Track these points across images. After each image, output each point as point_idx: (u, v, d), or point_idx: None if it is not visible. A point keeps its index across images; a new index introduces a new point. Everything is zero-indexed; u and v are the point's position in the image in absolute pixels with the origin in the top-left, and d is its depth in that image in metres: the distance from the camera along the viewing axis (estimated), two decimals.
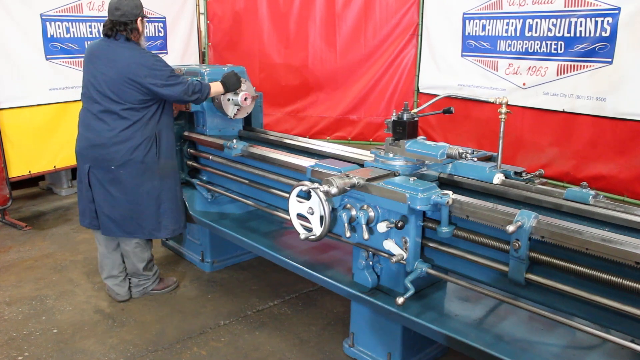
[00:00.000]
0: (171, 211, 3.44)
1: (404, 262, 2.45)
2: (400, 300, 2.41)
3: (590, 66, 5.18)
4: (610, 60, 5.00)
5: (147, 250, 3.54)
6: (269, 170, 3.31)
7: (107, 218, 3.32)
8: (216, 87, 3.47)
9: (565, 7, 5.25)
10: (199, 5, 6.78)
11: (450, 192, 2.30)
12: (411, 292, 2.45)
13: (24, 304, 3.55)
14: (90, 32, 5.43)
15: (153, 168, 3.29)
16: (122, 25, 3.17)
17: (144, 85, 3.13)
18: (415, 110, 2.70)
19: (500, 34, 5.89)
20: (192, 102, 3.44)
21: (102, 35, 3.27)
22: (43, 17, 5.08)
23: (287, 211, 2.77)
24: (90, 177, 3.27)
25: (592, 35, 5.10)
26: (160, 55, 3.36)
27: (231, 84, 3.53)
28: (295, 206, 2.68)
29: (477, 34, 6.14)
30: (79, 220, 3.50)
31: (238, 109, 3.68)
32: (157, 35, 6.21)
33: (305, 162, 3.00)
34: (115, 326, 3.29)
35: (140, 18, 3.24)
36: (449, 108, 2.82)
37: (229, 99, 3.62)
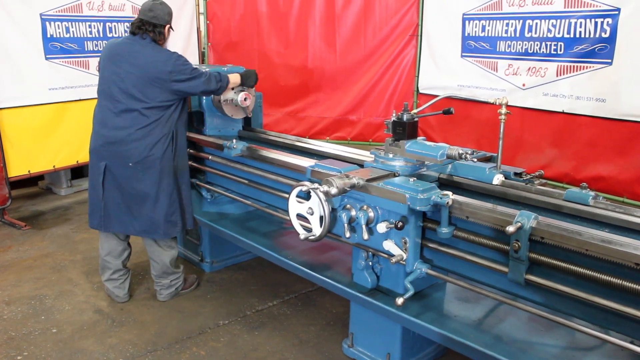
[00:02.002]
0: (185, 207, 3.42)
1: (404, 262, 2.45)
2: (399, 300, 2.41)
3: (590, 67, 5.18)
4: (610, 61, 5.00)
5: (175, 247, 3.53)
6: (269, 170, 3.30)
7: (121, 216, 3.28)
8: (234, 78, 3.48)
9: (565, 7, 5.25)
10: (198, 5, 6.77)
11: (450, 193, 2.29)
12: (411, 292, 2.45)
13: (23, 304, 3.55)
14: (90, 32, 5.40)
15: (170, 165, 3.28)
16: (151, 26, 3.20)
17: (168, 83, 3.14)
18: (415, 110, 2.70)
19: (500, 35, 5.89)
20: (214, 93, 3.44)
21: (127, 33, 3.27)
22: (43, 17, 5.07)
23: (286, 211, 2.77)
24: (106, 174, 3.23)
25: (591, 36, 5.10)
26: None
27: (248, 79, 3.56)
28: (295, 206, 2.68)
29: (477, 35, 6.14)
30: (88, 221, 3.40)
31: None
32: None
33: (305, 162, 3.00)
34: (115, 326, 3.29)
35: (168, 25, 3.28)
36: (449, 109, 2.82)
37: (227, 99, 3.62)
